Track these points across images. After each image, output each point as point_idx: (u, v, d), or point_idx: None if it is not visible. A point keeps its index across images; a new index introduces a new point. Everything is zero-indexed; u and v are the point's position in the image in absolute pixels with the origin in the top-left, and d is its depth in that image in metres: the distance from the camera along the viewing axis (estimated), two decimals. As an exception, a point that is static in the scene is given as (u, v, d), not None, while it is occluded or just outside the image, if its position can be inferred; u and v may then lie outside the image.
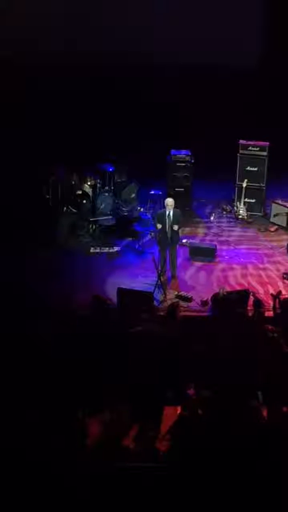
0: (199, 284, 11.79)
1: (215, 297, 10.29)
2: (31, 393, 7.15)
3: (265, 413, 7.34)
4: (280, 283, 11.71)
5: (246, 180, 13.97)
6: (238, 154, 14.16)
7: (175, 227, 11.60)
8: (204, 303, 10.94)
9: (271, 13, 16.07)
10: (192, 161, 14.21)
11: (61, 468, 6.04)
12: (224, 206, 14.56)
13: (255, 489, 5.99)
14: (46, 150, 14.38)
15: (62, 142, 14.68)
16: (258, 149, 14.13)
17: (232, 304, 9.99)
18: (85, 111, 15.55)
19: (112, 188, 14.03)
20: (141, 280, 11.62)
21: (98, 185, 13.90)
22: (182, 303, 11.02)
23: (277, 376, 7.84)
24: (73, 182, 14.02)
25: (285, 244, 12.97)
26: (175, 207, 11.73)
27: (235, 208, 14.25)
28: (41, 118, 15.00)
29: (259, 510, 5.97)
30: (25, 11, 15.71)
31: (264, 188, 14.20)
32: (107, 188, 13.91)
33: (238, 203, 14.14)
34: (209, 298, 10.58)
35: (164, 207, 11.77)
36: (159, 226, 11.58)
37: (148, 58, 15.70)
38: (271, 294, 10.50)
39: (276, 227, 13.84)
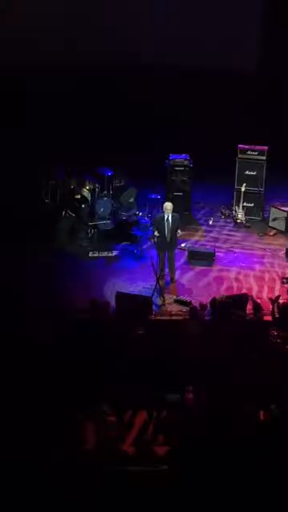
0: (197, 288, 11.82)
1: (214, 301, 10.33)
2: (30, 394, 7.18)
3: (262, 414, 7.44)
4: (278, 287, 11.75)
5: (244, 184, 13.99)
6: (236, 159, 14.18)
7: (179, 232, 11.64)
8: (202, 307, 10.96)
9: (270, 13, 16.04)
10: (191, 165, 14.23)
11: (60, 471, 6.07)
12: (223, 210, 14.59)
13: (254, 489, 6.03)
14: (45, 152, 14.39)
15: (61, 143, 14.69)
16: (257, 153, 14.14)
17: (230, 308, 10.03)
18: (85, 112, 15.56)
19: (111, 192, 14.06)
20: (139, 284, 11.65)
21: (96, 189, 13.93)
22: (180, 307, 11.12)
23: (278, 379, 7.90)
24: (71, 187, 14.04)
25: (285, 248, 13.02)
26: (174, 211, 11.78)
27: (233, 212, 14.27)
28: (40, 119, 14.99)
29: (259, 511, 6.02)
30: (25, 11, 15.67)
31: (262, 192, 14.22)
32: (105, 192, 13.94)
33: (236, 207, 14.16)
34: (208, 302, 10.61)
35: (163, 211, 11.80)
36: (156, 233, 11.60)
37: (148, 58, 15.68)
38: (270, 299, 10.53)
39: (274, 231, 13.88)
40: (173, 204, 11.83)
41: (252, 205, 14.25)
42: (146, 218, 13.61)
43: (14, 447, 6.27)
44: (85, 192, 13.82)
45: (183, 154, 14.35)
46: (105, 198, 13.75)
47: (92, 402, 7.33)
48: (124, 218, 13.70)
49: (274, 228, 13.93)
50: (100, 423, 7.09)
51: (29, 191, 14.07)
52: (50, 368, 7.76)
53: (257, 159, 14.12)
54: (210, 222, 14.23)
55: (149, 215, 13.62)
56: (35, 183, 14.24)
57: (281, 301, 10.23)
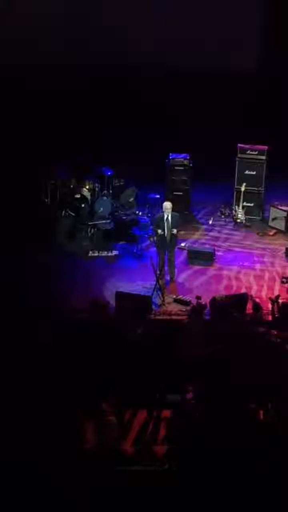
0: (197, 287, 11.81)
1: (214, 301, 10.33)
2: (30, 393, 7.18)
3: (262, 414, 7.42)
4: (277, 287, 11.76)
5: (244, 184, 13.98)
6: (236, 158, 14.17)
7: (174, 231, 11.64)
8: (202, 306, 10.94)
9: (271, 13, 16.04)
10: (191, 164, 14.23)
11: (60, 470, 6.06)
12: (223, 210, 14.59)
13: (254, 489, 6.02)
14: (45, 152, 14.40)
15: (61, 143, 14.70)
16: (256, 153, 14.14)
17: (230, 308, 10.03)
18: (85, 112, 15.56)
19: (111, 192, 14.08)
20: (139, 284, 11.65)
21: (96, 189, 13.95)
22: (180, 306, 11.12)
23: (278, 378, 7.89)
24: (71, 186, 14.05)
25: (284, 247, 13.02)
26: (174, 210, 11.77)
27: (233, 212, 14.27)
28: (40, 119, 14.99)
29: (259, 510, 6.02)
30: (25, 11, 15.68)
31: (262, 192, 14.21)
32: (105, 192, 13.96)
33: (236, 206, 14.16)
34: (208, 302, 10.61)
35: (162, 211, 11.80)
36: (160, 231, 11.60)
37: (148, 58, 15.68)
38: (269, 298, 10.54)
39: (274, 231, 13.88)
40: (172, 203, 11.85)
41: (252, 204, 14.25)
42: (145, 217, 13.63)
43: (13, 447, 6.25)
44: (85, 191, 13.84)
45: (183, 154, 14.37)
46: (105, 198, 13.77)
47: (92, 402, 7.33)
48: (124, 217, 13.70)
49: (274, 228, 13.93)
50: (100, 422, 7.09)
51: (29, 191, 14.08)
52: (50, 368, 7.75)
53: (257, 159, 14.13)
54: (210, 222, 14.24)
55: (149, 215, 13.63)
56: (35, 183, 14.25)
57: (280, 300, 10.24)
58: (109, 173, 14.24)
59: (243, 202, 14.07)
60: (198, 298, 10.52)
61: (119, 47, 15.53)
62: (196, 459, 6.22)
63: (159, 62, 15.65)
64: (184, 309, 10.98)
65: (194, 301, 11.08)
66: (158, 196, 13.99)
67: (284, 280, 11.91)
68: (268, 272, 12.32)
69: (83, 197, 13.74)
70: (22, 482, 5.91)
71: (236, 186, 14.20)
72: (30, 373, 7.51)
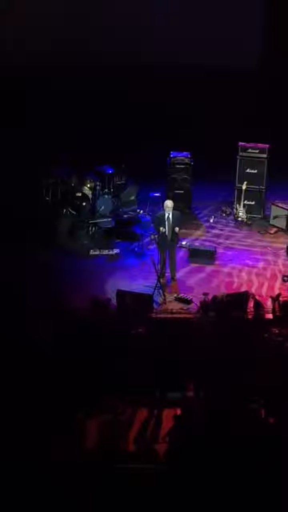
0: (198, 286, 11.78)
1: (215, 299, 10.30)
2: (31, 393, 7.18)
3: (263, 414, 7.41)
4: (278, 285, 11.72)
5: (245, 182, 13.96)
6: (237, 156, 14.15)
7: (177, 229, 11.63)
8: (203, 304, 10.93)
9: (271, 13, 16.07)
10: (192, 163, 14.21)
11: (61, 470, 6.06)
12: (224, 208, 14.57)
13: (254, 489, 6.01)
14: (45, 151, 14.40)
15: (61, 142, 14.71)
16: (257, 151, 14.13)
17: (231, 306, 10.01)
18: (85, 112, 15.58)
19: (112, 190, 14.07)
20: (140, 282, 11.63)
21: (97, 187, 13.94)
22: (181, 305, 11.09)
23: (279, 377, 7.88)
24: (72, 184, 14.05)
25: (285, 246, 13.00)
26: (175, 209, 11.76)
27: (234, 210, 14.25)
28: (41, 118, 15.01)
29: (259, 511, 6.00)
30: (25, 11, 15.71)
31: (263, 190, 14.19)
32: (106, 190, 13.95)
33: (237, 205, 14.14)
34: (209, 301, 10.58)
35: (163, 209, 11.78)
36: (162, 229, 11.58)
37: (148, 58, 15.71)
38: (270, 297, 10.52)
39: (275, 229, 13.85)
40: (173, 202, 11.83)
41: (253, 203, 14.22)
42: (147, 216, 13.62)
43: (14, 447, 6.25)
44: (86, 190, 13.84)
45: (184, 152, 14.35)
46: (106, 196, 13.77)
47: (93, 401, 7.33)
48: (125, 216, 13.69)
49: (275, 226, 13.91)
50: (101, 421, 7.09)
51: (29, 190, 14.08)
52: (50, 367, 7.75)
53: (258, 157, 14.10)
54: (211, 220, 14.22)
55: (150, 213, 13.62)
56: (36, 182, 14.24)
57: (281, 299, 10.21)
58: (110, 171, 14.23)
59: (244, 201, 14.04)
60: (205, 295, 10.50)
61: (119, 47, 15.56)
62: (196, 459, 6.21)
63: (159, 62, 15.66)
64: (186, 307, 10.97)
65: (195, 300, 11.10)
66: (159, 194, 13.98)
67: (285, 278, 11.88)
68: (269, 270, 12.29)
69: (84, 196, 13.73)
70: (23, 483, 5.90)
71: (237, 185, 14.16)
72: (30, 373, 7.51)
